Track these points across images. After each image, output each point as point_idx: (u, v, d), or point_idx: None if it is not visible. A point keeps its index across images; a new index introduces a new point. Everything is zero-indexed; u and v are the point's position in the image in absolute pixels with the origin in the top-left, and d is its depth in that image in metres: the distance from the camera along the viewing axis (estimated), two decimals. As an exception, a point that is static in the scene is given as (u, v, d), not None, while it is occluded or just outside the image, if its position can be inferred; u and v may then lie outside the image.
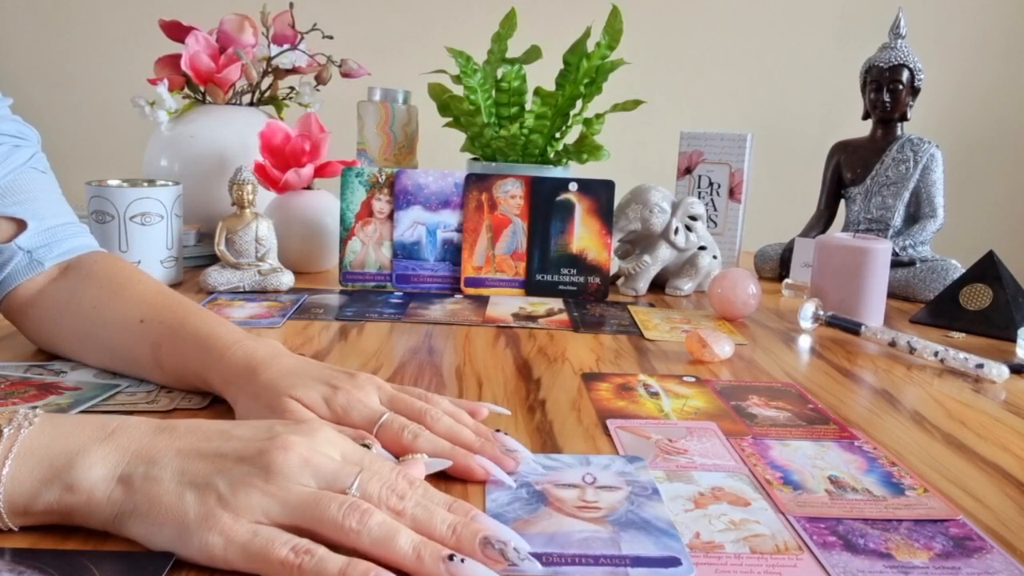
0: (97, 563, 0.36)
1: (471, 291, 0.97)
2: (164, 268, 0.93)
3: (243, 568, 0.36)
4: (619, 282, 1.03)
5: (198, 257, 1.07)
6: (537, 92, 1.07)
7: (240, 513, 0.37)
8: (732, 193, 1.14)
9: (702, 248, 1.02)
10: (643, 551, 0.39)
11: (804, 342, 0.83)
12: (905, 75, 1.10)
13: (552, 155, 1.11)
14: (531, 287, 0.98)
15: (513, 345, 0.76)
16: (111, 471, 0.39)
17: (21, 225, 0.66)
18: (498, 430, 0.52)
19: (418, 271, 0.97)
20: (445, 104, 1.09)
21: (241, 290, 0.92)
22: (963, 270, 1.01)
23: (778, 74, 2.05)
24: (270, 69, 1.18)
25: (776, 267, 1.18)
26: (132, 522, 0.38)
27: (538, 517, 0.42)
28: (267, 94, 1.20)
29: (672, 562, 0.39)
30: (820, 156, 1.22)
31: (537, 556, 0.38)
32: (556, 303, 0.94)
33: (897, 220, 1.11)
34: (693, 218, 1.02)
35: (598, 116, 1.09)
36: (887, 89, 1.10)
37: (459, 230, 0.97)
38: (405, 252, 0.97)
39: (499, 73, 1.10)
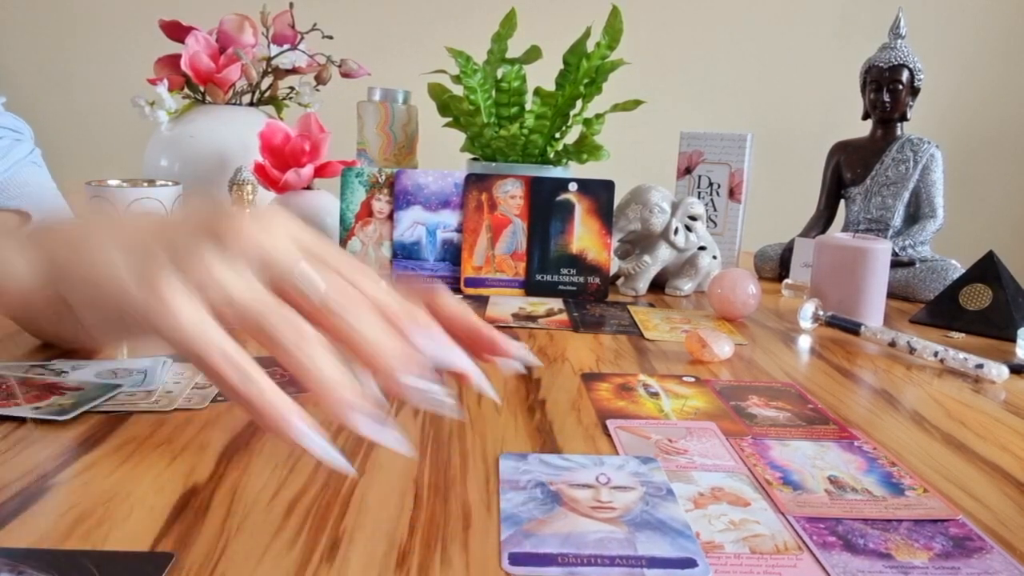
0: (97, 563, 0.36)
1: (471, 291, 0.97)
2: (164, 268, 0.92)
3: (176, 341, 0.33)
4: (619, 282, 1.03)
5: (198, 257, 1.07)
6: (537, 92, 1.07)
7: (184, 279, 0.33)
8: (732, 193, 1.14)
9: (702, 248, 1.02)
10: (659, 552, 0.39)
11: (804, 342, 0.83)
12: (905, 75, 1.10)
13: (552, 155, 1.11)
14: (531, 287, 0.98)
15: (513, 345, 0.76)
16: (35, 254, 0.36)
17: (25, 217, 0.66)
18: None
19: (418, 271, 0.97)
20: (445, 104, 1.09)
21: (241, 290, 0.92)
22: (963, 270, 1.01)
23: (778, 74, 2.05)
24: (270, 69, 1.18)
25: (776, 267, 1.18)
26: (66, 285, 0.34)
27: (553, 517, 0.43)
28: (267, 94, 1.21)
29: (688, 563, 0.39)
30: (820, 156, 1.22)
31: (553, 557, 0.38)
32: (556, 303, 0.94)
33: (897, 220, 1.11)
34: (693, 218, 1.02)
35: (598, 116, 1.09)
36: (887, 89, 1.10)
37: (459, 230, 0.97)
38: (405, 252, 0.97)
39: (499, 73, 1.10)
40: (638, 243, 1.03)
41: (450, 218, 0.97)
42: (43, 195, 0.68)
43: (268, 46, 1.17)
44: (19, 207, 0.67)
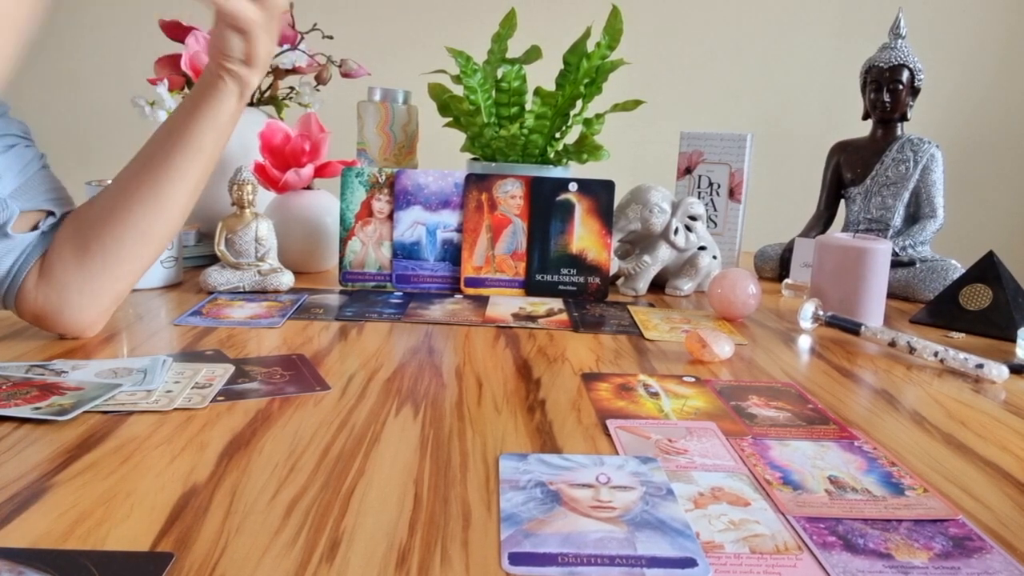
0: (97, 563, 0.36)
1: (471, 291, 0.97)
2: (164, 268, 0.93)
3: None
4: (619, 282, 1.03)
5: (198, 257, 1.07)
6: (537, 92, 1.07)
7: None
8: (732, 193, 1.14)
9: (702, 248, 1.02)
10: (659, 551, 0.39)
11: (804, 342, 0.83)
12: (905, 75, 1.10)
13: (552, 155, 1.11)
14: (531, 287, 0.98)
15: (513, 345, 0.76)
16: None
17: (44, 214, 0.71)
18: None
19: (418, 271, 0.97)
20: (445, 104, 1.09)
21: (241, 290, 0.92)
22: (963, 270, 1.01)
23: (778, 74, 2.05)
24: (270, 69, 1.18)
25: (776, 267, 1.18)
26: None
27: (553, 516, 0.43)
28: (267, 94, 1.21)
29: (688, 563, 0.39)
30: (820, 156, 1.22)
31: (553, 556, 0.38)
32: (556, 303, 0.94)
33: (897, 220, 1.11)
34: (693, 218, 1.02)
35: (598, 116, 1.09)
36: (887, 89, 1.10)
37: (459, 230, 0.97)
38: (405, 252, 0.97)
39: (499, 73, 1.10)
40: (638, 243, 1.03)
41: (450, 218, 0.97)
42: (60, 193, 0.73)
43: (268, 46, 1.17)
44: (45, 207, 0.71)
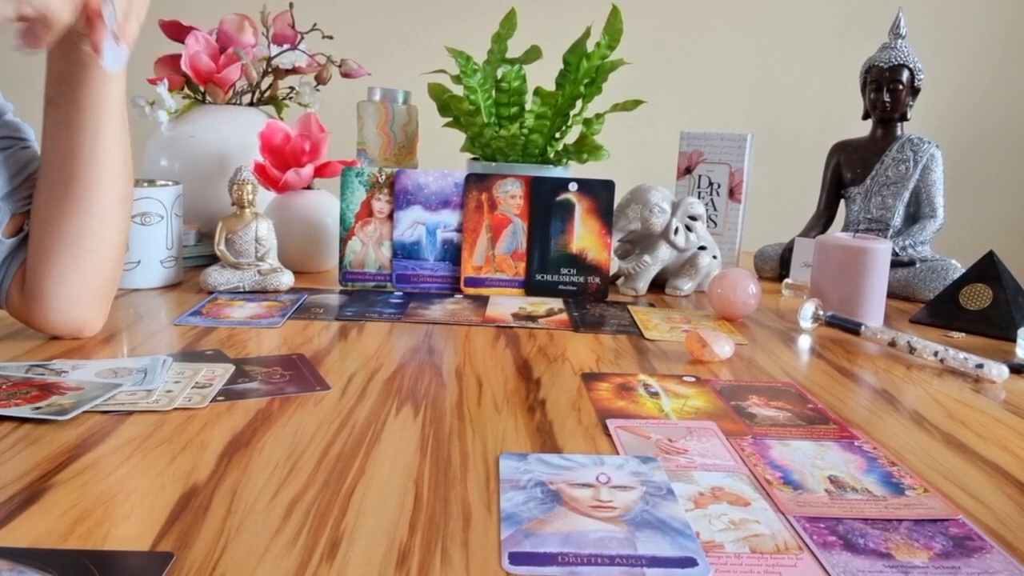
0: (97, 563, 0.36)
1: (471, 291, 0.97)
2: (164, 268, 0.93)
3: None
4: (619, 282, 1.03)
5: (198, 257, 1.07)
6: (537, 92, 1.07)
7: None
8: (732, 193, 1.14)
9: (702, 248, 1.02)
10: (659, 551, 0.39)
11: (804, 342, 0.83)
12: (905, 75, 1.10)
13: (552, 155, 1.11)
14: (531, 287, 0.98)
15: (513, 345, 0.76)
16: None
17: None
18: None
19: (418, 271, 0.97)
20: (445, 104, 1.09)
21: (241, 290, 0.92)
22: (963, 270, 1.01)
23: (778, 74, 2.05)
24: (270, 69, 1.18)
25: (776, 267, 1.18)
26: None
27: (553, 516, 0.43)
28: (267, 94, 1.21)
29: (688, 562, 0.39)
30: (820, 156, 1.22)
31: (553, 556, 0.38)
32: (556, 303, 0.94)
33: (897, 220, 1.11)
34: (693, 218, 1.02)
35: (598, 116, 1.09)
36: (887, 89, 1.10)
37: (459, 230, 0.97)
38: (405, 252, 0.97)
39: (499, 73, 1.10)
40: (638, 243, 1.03)
41: (450, 218, 0.97)
42: None
43: (268, 46, 1.17)
44: (29, 209, 0.70)
